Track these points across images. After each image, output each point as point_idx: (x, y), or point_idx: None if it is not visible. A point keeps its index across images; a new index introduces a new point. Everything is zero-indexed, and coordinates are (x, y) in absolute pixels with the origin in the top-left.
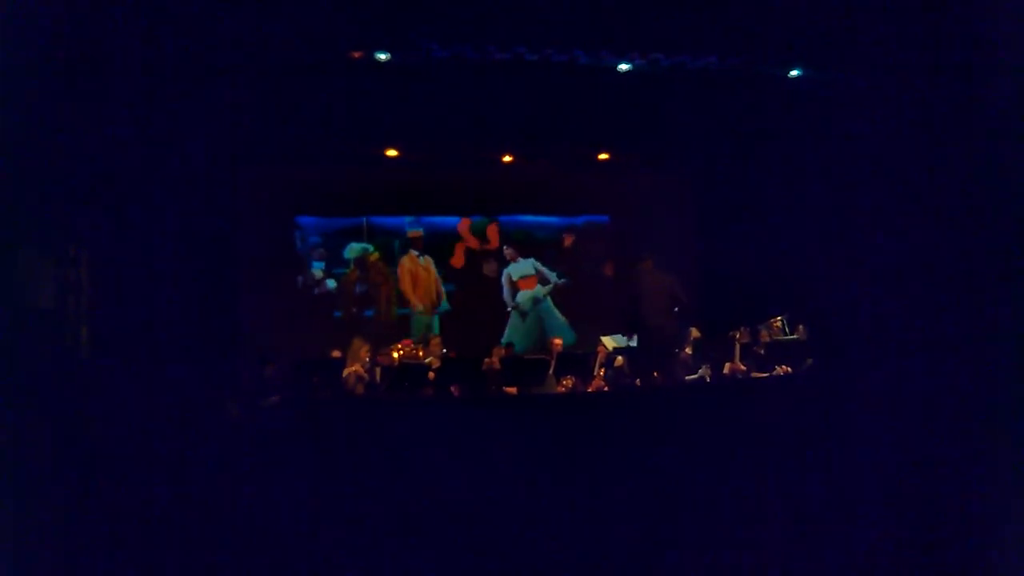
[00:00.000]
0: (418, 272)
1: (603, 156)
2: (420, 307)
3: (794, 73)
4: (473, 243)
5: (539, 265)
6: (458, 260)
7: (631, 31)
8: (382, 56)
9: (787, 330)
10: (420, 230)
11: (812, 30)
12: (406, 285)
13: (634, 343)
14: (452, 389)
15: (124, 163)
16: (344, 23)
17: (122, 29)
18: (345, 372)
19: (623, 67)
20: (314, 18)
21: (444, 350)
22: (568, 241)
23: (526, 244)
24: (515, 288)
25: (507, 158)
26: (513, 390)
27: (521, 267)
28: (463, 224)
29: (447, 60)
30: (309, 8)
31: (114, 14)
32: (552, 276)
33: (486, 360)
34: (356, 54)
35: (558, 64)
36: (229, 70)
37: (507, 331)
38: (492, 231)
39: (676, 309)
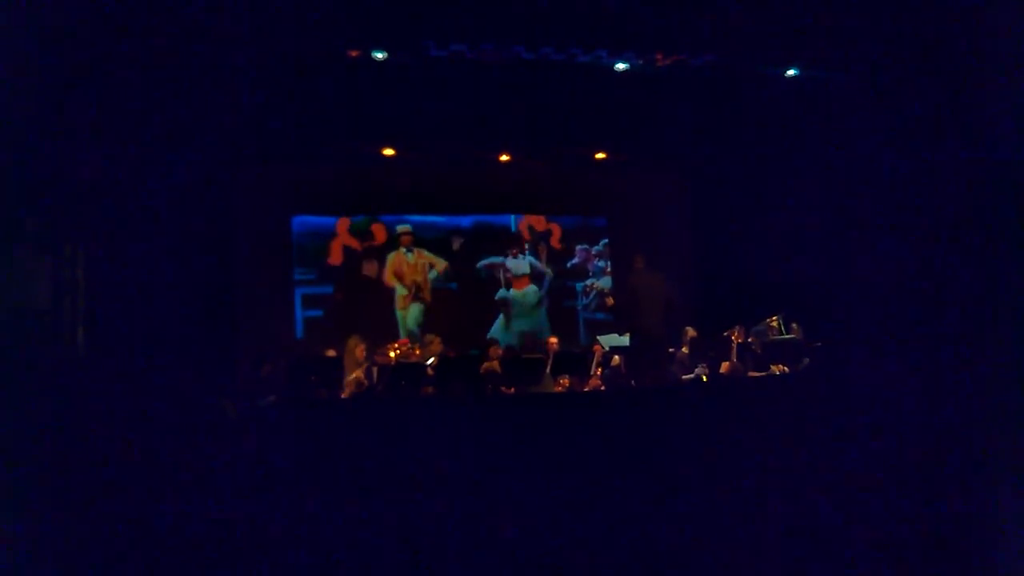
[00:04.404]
0: (403, 269)
1: (600, 155)
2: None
3: (791, 72)
4: (352, 241)
5: (535, 262)
6: (335, 258)
7: (628, 31)
8: (379, 55)
9: (783, 329)
10: (409, 227)
11: (809, 29)
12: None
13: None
14: (449, 388)
15: (122, 162)
16: (341, 22)
17: (120, 29)
18: (348, 378)
19: (620, 66)
20: (311, 17)
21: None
22: (457, 244)
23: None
24: (508, 284)
25: (504, 157)
26: (510, 390)
27: (518, 264)
28: (342, 222)
29: (444, 59)
30: (306, 7)
31: (113, 14)
32: (548, 271)
33: (483, 359)
34: (353, 53)
35: (555, 63)
36: (226, 69)
37: (495, 328)
38: (377, 229)
39: (668, 308)
